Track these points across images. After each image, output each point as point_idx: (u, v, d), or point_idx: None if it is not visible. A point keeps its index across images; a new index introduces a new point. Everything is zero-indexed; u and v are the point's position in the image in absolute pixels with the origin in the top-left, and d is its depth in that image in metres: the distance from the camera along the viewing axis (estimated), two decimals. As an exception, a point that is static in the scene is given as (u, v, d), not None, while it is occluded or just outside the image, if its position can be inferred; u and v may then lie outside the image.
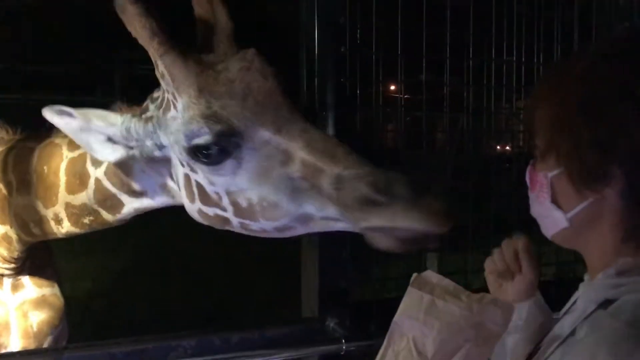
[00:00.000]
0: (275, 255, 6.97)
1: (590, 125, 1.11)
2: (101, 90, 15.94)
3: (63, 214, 1.80)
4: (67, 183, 1.77)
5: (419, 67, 2.76)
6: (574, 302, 1.28)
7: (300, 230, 1.58)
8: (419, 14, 2.69)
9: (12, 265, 1.94)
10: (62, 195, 1.77)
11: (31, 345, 2.03)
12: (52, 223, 1.82)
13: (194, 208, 1.63)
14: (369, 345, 2.08)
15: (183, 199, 1.65)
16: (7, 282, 2.00)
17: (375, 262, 2.48)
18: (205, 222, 1.66)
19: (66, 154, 1.77)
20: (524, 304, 1.55)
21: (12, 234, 1.86)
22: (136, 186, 1.73)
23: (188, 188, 1.61)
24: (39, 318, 2.05)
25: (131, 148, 1.60)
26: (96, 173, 1.73)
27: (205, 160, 1.52)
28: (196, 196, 1.60)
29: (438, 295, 1.26)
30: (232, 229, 1.65)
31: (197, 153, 1.51)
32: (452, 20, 2.73)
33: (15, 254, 1.90)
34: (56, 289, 2.13)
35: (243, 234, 1.66)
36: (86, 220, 1.80)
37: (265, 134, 1.50)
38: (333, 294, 2.25)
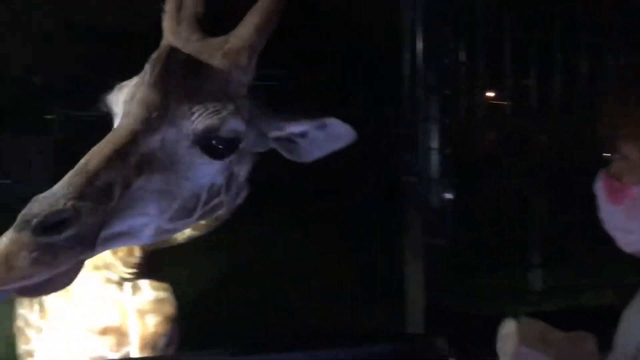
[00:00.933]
0: (375, 265, 6.97)
1: None
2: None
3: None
4: None
5: (522, 74, 2.70)
6: None
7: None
8: (523, 22, 2.62)
9: (135, 270, 2.03)
10: None
11: (147, 345, 2.10)
12: (188, 230, 1.88)
13: None
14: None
15: None
16: (127, 285, 2.09)
17: (483, 275, 2.43)
18: None
19: None
20: None
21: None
22: None
23: None
24: (154, 320, 2.13)
25: None
26: None
27: None
28: None
29: (530, 344, 1.25)
30: None
31: None
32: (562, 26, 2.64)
33: (137, 260, 1.98)
34: (169, 293, 2.20)
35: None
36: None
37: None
38: (440, 309, 2.20)
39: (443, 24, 2.36)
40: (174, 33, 1.58)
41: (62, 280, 1.19)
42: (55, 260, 1.11)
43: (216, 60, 1.47)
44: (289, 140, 1.59)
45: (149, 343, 2.12)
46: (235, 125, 1.42)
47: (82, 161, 1.22)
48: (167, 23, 1.61)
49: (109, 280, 2.04)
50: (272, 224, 9.61)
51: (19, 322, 2.40)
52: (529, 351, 1.24)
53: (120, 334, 2.08)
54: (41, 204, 1.11)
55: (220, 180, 1.50)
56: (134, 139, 1.28)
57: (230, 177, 1.56)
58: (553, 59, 2.69)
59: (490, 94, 3.15)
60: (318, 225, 9.77)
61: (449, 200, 2.25)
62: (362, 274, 7.01)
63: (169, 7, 1.61)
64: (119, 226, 1.25)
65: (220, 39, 1.53)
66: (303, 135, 1.58)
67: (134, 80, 1.46)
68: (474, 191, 2.58)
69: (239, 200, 1.84)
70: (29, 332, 2.32)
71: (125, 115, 1.36)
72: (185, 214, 1.41)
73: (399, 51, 2.36)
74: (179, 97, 1.38)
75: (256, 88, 1.57)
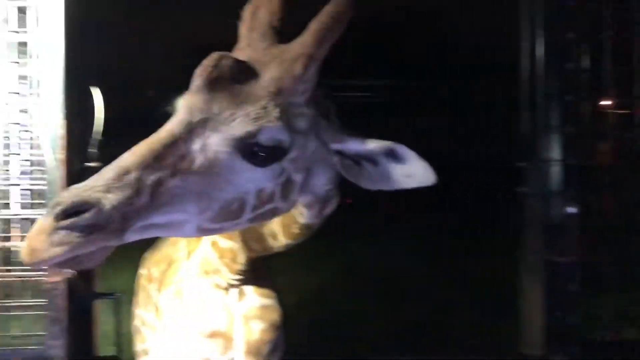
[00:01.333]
0: (489, 284, 6.76)
1: None
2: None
3: (278, 229, 1.86)
4: None
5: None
6: None
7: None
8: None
9: (238, 277, 2.04)
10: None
11: (251, 351, 2.11)
12: (269, 239, 1.89)
13: None
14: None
15: None
16: (234, 291, 2.10)
17: (604, 298, 2.24)
18: None
19: None
20: None
21: (236, 249, 1.95)
22: None
23: None
24: (259, 326, 2.13)
25: None
26: None
27: None
28: None
29: None
30: None
31: None
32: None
33: (241, 267, 1.99)
34: (275, 301, 2.20)
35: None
36: (294, 230, 1.84)
37: None
38: (559, 331, 2.05)
39: (565, 27, 2.22)
40: (247, 40, 1.58)
41: (87, 259, 1.24)
42: (72, 244, 1.19)
43: (271, 68, 1.46)
44: (354, 160, 1.54)
45: (254, 349, 2.12)
46: (274, 133, 1.40)
47: (119, 158, 1.27)
48: (242, 30, 1.60)
49: (217, 286, 2.07)
50: (385, 237, 9.60)
51: (136, 321, 2.48)
52: None
53: (226, 339, 2.10)
54: (70, 193, 1.18)
55: (270, 186, 1.47)
56: (172, 141, 1.31)
57: (286, 185, 1.52)
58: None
59: (614, 101, 2.92)
60: (432, 238, 9.65)
61: (572, 214, 2.10)
62: (477, 289, 6.80)
63: (245, 15, 1.62)
64: (157, 218, 1.31)
65: (284, 46, 1.52)
66: (371, 159, 1.53)
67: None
68: (598, 204, 2.39)
69: (328, 211, 1.81)
70: (145, 331, 2.39)
71: (171, 119, 1.38)
72: (230, 216, 1.42)
73: (516, 56, 2.24)
74: (224, 103, 1.39)
75: (328, 98, 1.54)
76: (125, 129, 1.82)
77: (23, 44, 1.91)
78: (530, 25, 2.20)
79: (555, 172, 2.13)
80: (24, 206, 1.93)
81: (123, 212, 1.24)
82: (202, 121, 1.38)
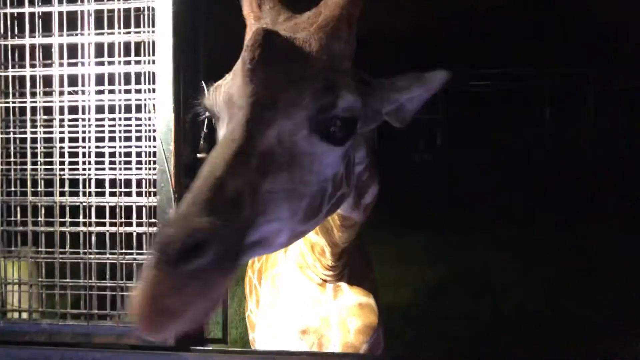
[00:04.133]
0: (604, 283, 6.37)
1: None
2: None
3: (331, 221, 1.85)
4: None
5: None
6: None
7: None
8: None
9: (331, 273, 2.05)
10: None
11: (347, 350, 2.11)
12: (332, 232, 1.89)
13: None
14: None
15: None
16: (329, 287, 2.11)
17: None
18: None
19: None
20: None
21: (323, 244, 1.95)
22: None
23: None
24: (355, 325, 2.12)
25: None
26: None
27: None
28: None
29: None
30: None
31: None
32: None
33: (331, 262, 2.00)
34: (372, 300, 2.19)
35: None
36: (337, 221, 1.82)
37: (222, 127, 1.35)
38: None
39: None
40: (258, 18, 1.47)
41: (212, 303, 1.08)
42: (206, 286, 1.02)
43: (314, 36, 1.34)
44: (399, 109, 1.46)
45: (350, 348, 2.11)
46: (350, 101, 1.30)
47: (205, 172, 1.14)
48: (247, 9, 1.49)
49: (312, 281, 2.09)
50: (486, 228, 9.30)
51: (247, 311, 2.57)
52: None
53: (320, 336, 2.11)
54: (173, 228, 1.01)
55: (342, 168, 1.39)
56: (248, 138, 1.19)
57: (348, 165, 1.44)
58: None
59: None
60: (539, 230, 9.22)
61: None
62: (588, 288, 6.41)
63: None
64: (252, 236, 1.15)
65: (310, 13, 1.42)
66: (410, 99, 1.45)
67: (227, 77, 1.39)
68: None
69: (368, 200, 1.74)
70: (253, 320, 2.46)
71: (232, 116, 1.28)
72: (314, 212, 1.32)
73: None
74: (284, 84, 1.25)
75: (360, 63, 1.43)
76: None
77: (138, 44, 2.05)
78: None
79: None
80: (138, 194, 2.07)
81: (237, 232, 1.09)
82: (268, 108, 1.24)
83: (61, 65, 2.06)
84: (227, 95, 1.32)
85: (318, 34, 1.35)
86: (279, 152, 1.23)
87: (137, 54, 2.03)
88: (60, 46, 2.06)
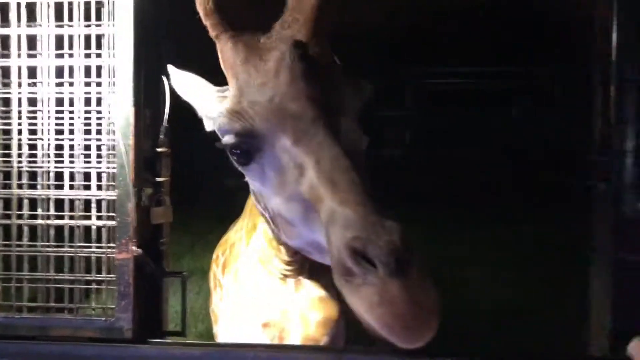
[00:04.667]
0: (560, 282, 6.48)
1: None
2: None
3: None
4: None
5: None
6: None
7: (318, 257, 1.41)
8: None
9: (290, 267, 2.07)
10: None
11: (307, 342, 2.13)
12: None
13: None
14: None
15: None
16: (290, 282, 2.13)
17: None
18: None
19: None
20: None
21: (277, 239, 1.98)
22: None
23: None
24: (317, 318, 2.15)
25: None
26: None
27: (237, 160, 1.46)
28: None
29: None
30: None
31: (230, 151, 1.47)
32: None
33: (287, 258, 2.02)
34: (334, 293, 2.21)
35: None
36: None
37: (285, 142, 1.36)
38: (629, 334, 1.94)
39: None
40: (236, 35, 1.55)
41: None
42: (431, 289, 1.18)
43: (314, 41, 1.44)
44: None
45: (310, 341, 2.14)
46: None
47: (350, 177, 1.25)
48: (218, 28, 1.57)
49: (273, 275, 2.11)
50: (447, 228, 9.40)
51: (212, 305, 2.57)
52: None
53: (281, 330, 2.14)
54: (387, 234, 1.11)
55: None
56: (343, 155, 1.30)
57: None
58: None
59: None
60: (498, 231, 9.34)
61: (647, 210, 1.97)
62: (544, 289, 6.54)
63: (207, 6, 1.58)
64: None
65: (284, 23, 1.50)
66: None
67: (227, 89, 1.56)
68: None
69: None
70: (218, 314, 2.47)
71: (304, 132, 1.35)
72: None
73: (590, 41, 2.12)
74: (322, 87, 1.38)
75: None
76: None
77: (99, 36, 2.04)
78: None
79: (630, 165, 2.00)
80: (98, 187, 2.06)
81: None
82: (333, 114, 1.37)
83: (19, 56, 2.04)
84: (275, 109, 1.39)
85: (313, 39, 1.45)
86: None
87: (99, 47, 2.03)
88: (19, 37, 2.04)
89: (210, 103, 1.68)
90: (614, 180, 2.02)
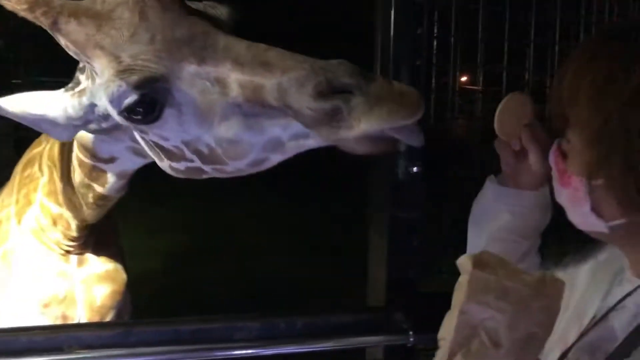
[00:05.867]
0: (340, 241, 6.96)
1: None
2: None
3: (79, 197, 1.82)
4: (72, 165, 1.80)
5: (494, 57, 2.65)
6: (621, 299, 1.14)
7: (274, 158, 1.40)
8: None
9: (75, 243, 1.96)
10: (72, 177, 1.80)
11: (94, 317, 2.06)
12: (79, 208, 1.85)
13: (165, 165, 1.52)
14: (437, 339, 1.98)
15: (154, 158, 1.56)
16: (74, 257, 2.02)
17: (444, 253, 2.38)
18: (183, 176, 1.54)
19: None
20: (529, 193, 1.44)
21: (68, 217, 1.87)
22: (103, 155, 1.67)
23: (150, 148, 1.51)
24: (102, 292, 2.07)
25: (79, 126, 1.51)
26: (74, 149, 1.73)
27: (144, 119, 1.37)
28: (161, 154, 1.49)
29: (503, 276, 1.13)
30: (212, 176, 1.52)
31: (132, 114, 1.36)
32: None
33: (75, 234, 1.91)
34: (119, 266, 2.15)
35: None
36: (90, 199, 1.80)
37: (189, 68, 1.33)
38: (401, 284, 2.16)
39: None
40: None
41: None
42: None
43: None
44: None
45: (97, 315, 2.06)
46: None
47: (275, 52, 1.29)
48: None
49: (54, 252, 1.97)
50: (227, 198, 9.60)
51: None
52: (475, 308, 1.13)
53: (66, 307, 2.02)
54: (337, 65, 1.20)
55: None
56: None
57: None
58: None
59: (464, 73, 3.08)
60: (280, 198, 9.76)
61: (417, 172, 2.19)
62: (327, 247, 7.04)
63: None
64: None
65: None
66: None
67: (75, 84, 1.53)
68: (442, 164, 2.53)
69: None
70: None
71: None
72: None
73: (370, 20, 2.27)
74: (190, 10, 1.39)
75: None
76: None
77: None
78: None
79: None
80: None
81: None
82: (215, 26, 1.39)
83: None
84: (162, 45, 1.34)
85: None
86: None
87: None
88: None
89: (61, 103, 1.49)
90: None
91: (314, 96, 1.20)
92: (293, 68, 1.23)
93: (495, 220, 1.45)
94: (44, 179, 1.93)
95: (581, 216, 1.11)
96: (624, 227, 1.06)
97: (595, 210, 1.07)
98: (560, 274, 1.27)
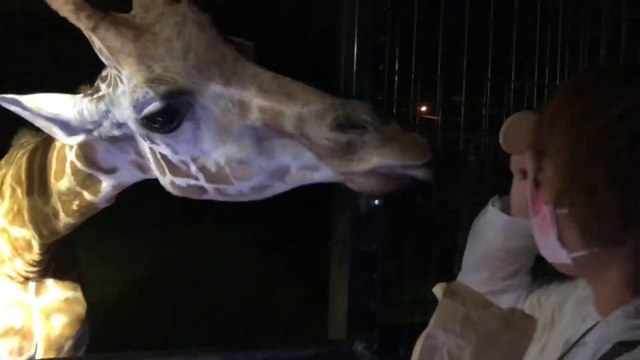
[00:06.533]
0: (302, 273, 6.94)
1: (616, 190, 0.99)
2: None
3: (58, 205, 1.80)
4: (55, 171, 1.78)
5: (454, 89, 2.73)
6: (582, 335, 1.17)
7: (278, 187, 1.45)
8: (459, 36, 2.64)
9: (36, 269, 1.93)
10: (52, 184, 1.78)
11: (52, 348, 2.01)
12: (53, 219, 1.81)
13: (166, 181, 1.55)
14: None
15: (155, 173, 1.58)
16: (32, 285, 1.98)
17: (404, 285, 2.41)
18: (181, 195, 1.56)
19: (57, 143, 1.76)
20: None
21: (31, 238, 1.85)
22: (105, 165, 1.69)
23: (156, 162, 1.53)
24: (61, 321, 2.03)
25: (90, 130, 1.55)
26: (70, 156, 1.73)
27: (161, 129, 1.42)
28: (165, 169, 1.52)
29: (471, 307, 1.17)
30: (210, 198, 1.55)
31: (151, 122, 1.41)
32: (495, 41, 2.68)
33: (37, 257, 1.89)
34: (79, 293, 2.12)
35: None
36: (74, 206, 1.77)
37: (215, 88, 1.40)
38: (362, 316, 2.18)
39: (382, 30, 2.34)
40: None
41: None
42: None
43: None
44: None
45: (54, 346, 2.02)
46: None
47: (299, 85, 1.36)
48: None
49: (11, 279, 1.94)
50: (192, 228, 9.49)
51: None
52: (441, 334, 1.17)
53: (23, 337, 1.98)
54: (355, 104, 1.31)
55: None
56: None
57: None
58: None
59: (424, 104, 3.15)
60: (245, 225, 9.68)
61: (378, 206, 2.23)
62: (289, 278, 7.01)
63: None
64: None
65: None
66: None
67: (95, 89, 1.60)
68: (401, 198, 2.57)
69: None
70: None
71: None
72: None
73: (333, 55, 2.33)
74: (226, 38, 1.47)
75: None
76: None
77: None
78: (348, 25, 2.29)
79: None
80: None
81: None
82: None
83: None
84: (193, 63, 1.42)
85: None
86: None
87: None
88: None
89: (78, 107, 1.54)
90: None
91: (332, 127, 1.27)
92: (315, 101, 1.30)
93: (489, 242, 1.44)
94: (4, 204, 1.90)
95: (548, 246, 1.12)
96: (585, 259, 1.07)
97: (561, 240, 1.09)
98: (554, 285, 1.29)
